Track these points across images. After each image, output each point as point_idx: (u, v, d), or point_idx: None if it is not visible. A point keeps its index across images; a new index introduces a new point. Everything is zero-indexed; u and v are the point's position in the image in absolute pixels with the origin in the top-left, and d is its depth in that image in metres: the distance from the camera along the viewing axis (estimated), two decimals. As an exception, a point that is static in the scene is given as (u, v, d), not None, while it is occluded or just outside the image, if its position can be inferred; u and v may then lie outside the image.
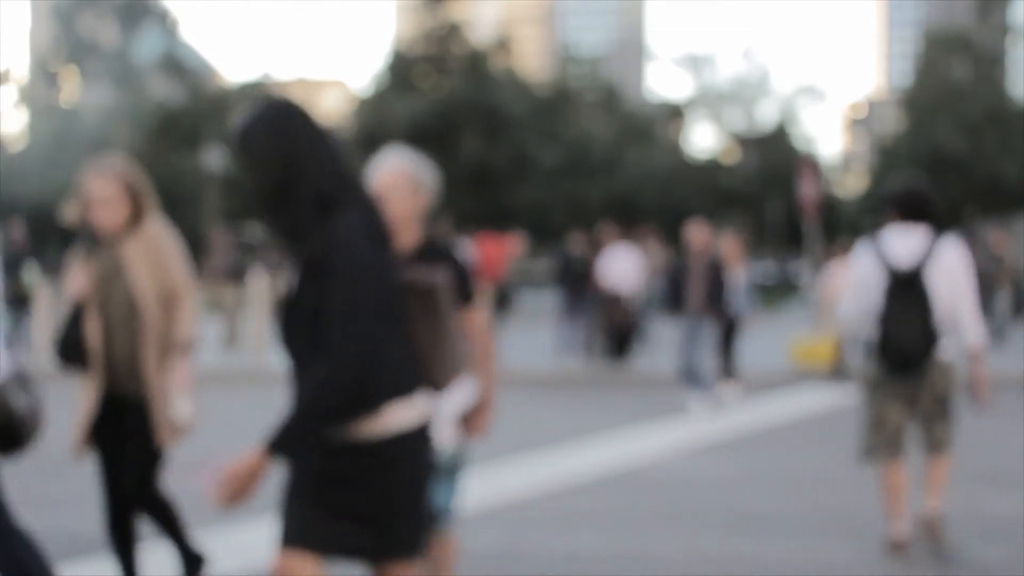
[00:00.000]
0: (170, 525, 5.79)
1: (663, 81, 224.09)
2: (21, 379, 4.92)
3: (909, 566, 6.54)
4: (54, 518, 7.61)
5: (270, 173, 3.66)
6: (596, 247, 18.62)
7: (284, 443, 3.65)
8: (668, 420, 12.55)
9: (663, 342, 19.42)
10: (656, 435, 11.48)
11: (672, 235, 38.57)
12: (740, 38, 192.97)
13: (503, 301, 20.12)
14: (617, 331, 17.52)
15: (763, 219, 56.30)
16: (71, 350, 5.54)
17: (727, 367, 14.57)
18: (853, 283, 6.80)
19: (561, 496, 8.46)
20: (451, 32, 43.20)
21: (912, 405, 6.69)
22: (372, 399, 3.67)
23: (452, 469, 5.16)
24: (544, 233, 47.41)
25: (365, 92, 45.23)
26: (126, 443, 5.66)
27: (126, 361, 5.50)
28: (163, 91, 52.41)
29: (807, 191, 19.93)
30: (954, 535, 7.18)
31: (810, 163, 21.43)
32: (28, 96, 54.44)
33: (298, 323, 3.74)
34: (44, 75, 52.63)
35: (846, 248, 17.90)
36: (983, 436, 11.68)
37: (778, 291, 48.76)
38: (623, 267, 17.50)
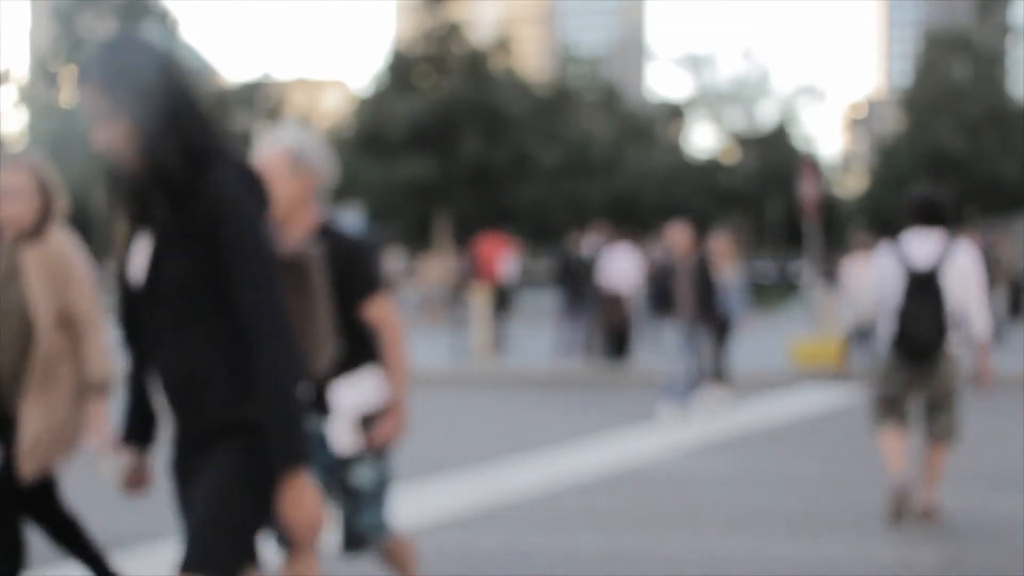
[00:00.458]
0: (74, 544, 5.38)
1: (663, 81, 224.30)
2: None
3: (909, 566, 6.54)
4: (54, 518, 7.61)
5: (139, 111, 3.15)
6: (594, 245, 18.62)
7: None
8: (671, 418, 12.54)
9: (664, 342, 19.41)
10: (656, 435, 11.48)
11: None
12: (740, 38, 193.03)
13: (503, 301, 20.11)
14: (617, 331, 17.51)
15: (763, 219, 56.32)
16: None
17: (717, 370, 14.01)
18: (874, 280, 7.53)
19: (561, 496, 8.46)
20: (451, 32, 43.19)
21: (920, 391, 7.39)
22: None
23: (370, 484, 4.66)
24: (544, 233, 47.42)
25: (365, 92, 45.23)
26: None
27: (9, 378, 4.84)
28: (163, 91, 52.31)
29: (807, 191, 19.92)
30: (954, 535, 7.19)
31: (810, 163, 21.42)
32: (28, 96, 54.41)
33: (162, 298, 3.21)
34: (44, 75, 52.58)
35: (868, 244, 18.01)
36: (983, 436, 11.67)
37: (778, 291, 48.75)
38: (623, 267, 17.50)
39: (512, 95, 42.80)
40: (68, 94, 52.43)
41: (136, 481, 3.65)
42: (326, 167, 4.59)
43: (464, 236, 38.15)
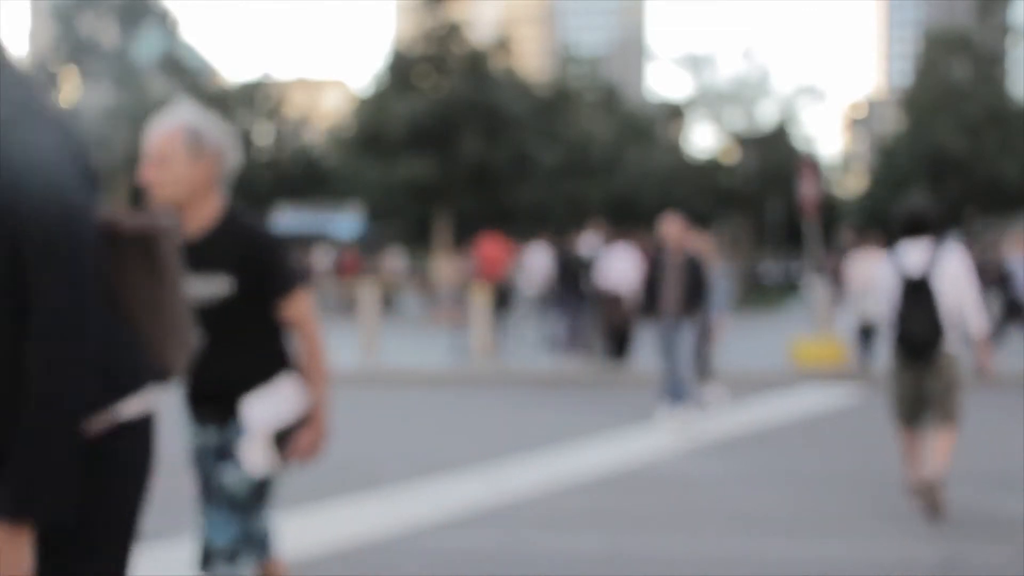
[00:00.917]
0: None
1: (663, 81, 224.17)
2: None
3: (909, 566, 6.54)
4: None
5: None
6: (592, 244, 18.64)
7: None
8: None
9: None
10: (656, 435, 11.48)
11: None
12: (740, 38, 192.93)
13: (503, 301, 20.11)
14: (617, 331, 17.51)
15: (763, 219, 56.31)
16: None
17: (702, 369, 13.65)
18: (878, 287, 8.27)
19: (561, 496, 8.46)
20: (451, 32, 43.17)
21: (925, 386, 7.97)
22: (113, 388, 2.65)
23: (248, 497, 4.21)
24: (544, 233, 47.38)
25: (365, 92, 45.21)
26: None
27: None
28: (163, 91, 52.38)
29: (807, 191, 19.92)
30: (954, 535, 7.19)
31: (810, 163, 21.40)
32: (28, 96, 54.33)
33: None
34: (44, 75, 52.58)
35: (856, 242, 18.09)
36: (984, 436, 11.68)
37: (778, 291, 48.75)
38: (622, 267, 17.49)
39: (512, 95, 42.79)
40: (68, 94, 52.41)
41: None
42: (230, 149, 4.17)
43: (464, 236, 38.12)
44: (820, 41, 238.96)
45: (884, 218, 47.98)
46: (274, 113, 57.06)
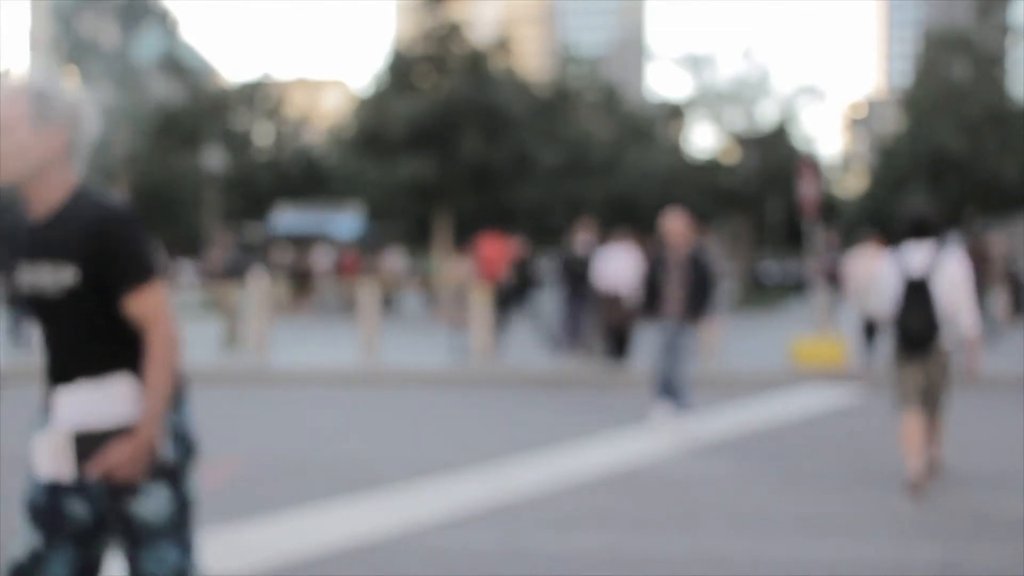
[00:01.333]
0: None
1: (663, 81, 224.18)
2: None
3: (909, 566, 6.54)
4: (54, 518, 7.61)
5: None
6: (587, 244, 18.63)
7: None
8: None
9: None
10: (656, 435, 11.47)
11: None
12: (740, 38, 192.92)
13: (503, 301, 20.12)
14: (617, 331, 17.51)
15: (763, 219, 56.31)
16: None
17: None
18: (881, 284, 8.88)
19: (561, 496, 8.46)
20: (451, 32, 43.19)
21: (922, 376, 8.71)
22: None
23: (158, 516, 3.61)
24: (544, 233, 47.43)
25: (365, 92, 45.22)
26: None
27: None
28: (163, 91, 52.43)
29: (807, 191, 19.92)
30: (954, 535, 7.19)
31: (810, 163, 21.40)
32: (28, 96, 54.36)
33: None
34: (44, 75, 52.56)
35: (878, 240, 18.15)
36: (983, 436, 11.68)
37: (778, 291, 48.73)
38: (621, 267, 17.49)
39: (512, 95, 42.80)
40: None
41: None
42: (86, 116, 3.63)
43: (464, 236, 38.13)
44: (820, 41, 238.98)
45: (884, 218, 47.99)
46: (274, 113, 57.09)
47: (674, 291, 11.65)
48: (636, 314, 15.27)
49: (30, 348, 18.49)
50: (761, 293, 46.80)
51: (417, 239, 46.19)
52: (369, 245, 37.68)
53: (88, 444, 3.54)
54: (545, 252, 46.81)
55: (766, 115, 55.83)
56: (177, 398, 3.67)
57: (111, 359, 3.61)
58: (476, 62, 42.90)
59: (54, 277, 3.61)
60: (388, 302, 30.75)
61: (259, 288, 18.46)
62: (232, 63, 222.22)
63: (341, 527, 7.35)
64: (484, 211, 42.26)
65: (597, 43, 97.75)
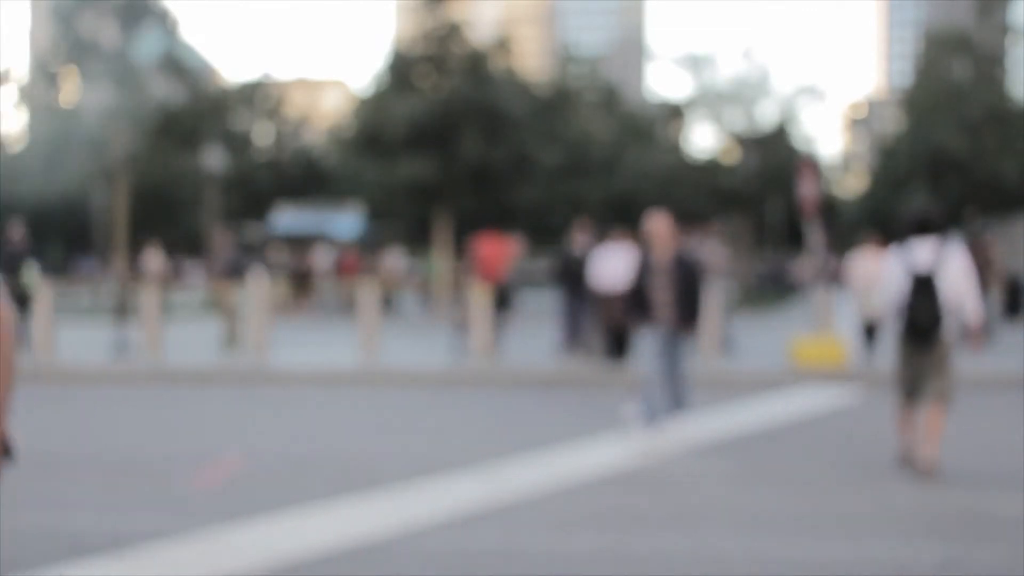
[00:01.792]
0: None
1: (663, 81, 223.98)
2: None
3: (909, 566, 6.54)
4: (54, 518, 7.62)
5: None
6: (585, 244, 18.62)
7: None
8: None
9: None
10: (656, 435, 11.46)
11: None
12: (740, 38, 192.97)
13: (504, 301, 20.10)
14: (616, 331, 17.51)
15: (763, 219, 56.32)
16: None
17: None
18: (885, 280, 9.53)
19: (561, 496, 8.46)
20: (451, 32, 43.15)
21: (925, 365, 9.31)
22: None
23: None
24: (544, 233, 47.43)
25: (365, 92, 45.19)
26: None
27: None
28: (163, 91, 52.42)
29: (807, 191, 19.92)
30: (954, 535, 7.19)
31: (810, 163, 21.40)
32: (28, 96, 54.42)
33: None
34: (44, 75, 52.63)
35: (879, 241, 18.23)
36: (983, 436, 11.68)
37: (778, 291, 48.74)
38: (619, 267, 17.48)
39: (512, 95, 42.77)
40: (68, 94, 52.42)
41: None
42: None
43: (464, 236, 38.12)
44: (820, 41, 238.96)
45: (884, 218, 47.98)
46: (274, 113, 57.09)
47: (661, 295, 11.09)
48: (624, 320, 14.31)
49: (30, 348, 18.48)
50: (760, 293, 46.78)
51: (417, 239, 46.18)
52: (369, 245, 37.66)
53: None
54: (545, 252, 46.85)
55: (766, 115, 55.83)
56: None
57: None
58: (476, 62, 42.88)
59: None
60: (388, 302, 30.73)
61: (259, 288, 18.46)
62: (232, 63, 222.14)
63: (341, 527, 7.35)
64: (484, 211, 42.24)
65: (597, 43, 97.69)
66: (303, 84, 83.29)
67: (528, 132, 42.83)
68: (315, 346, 21.06)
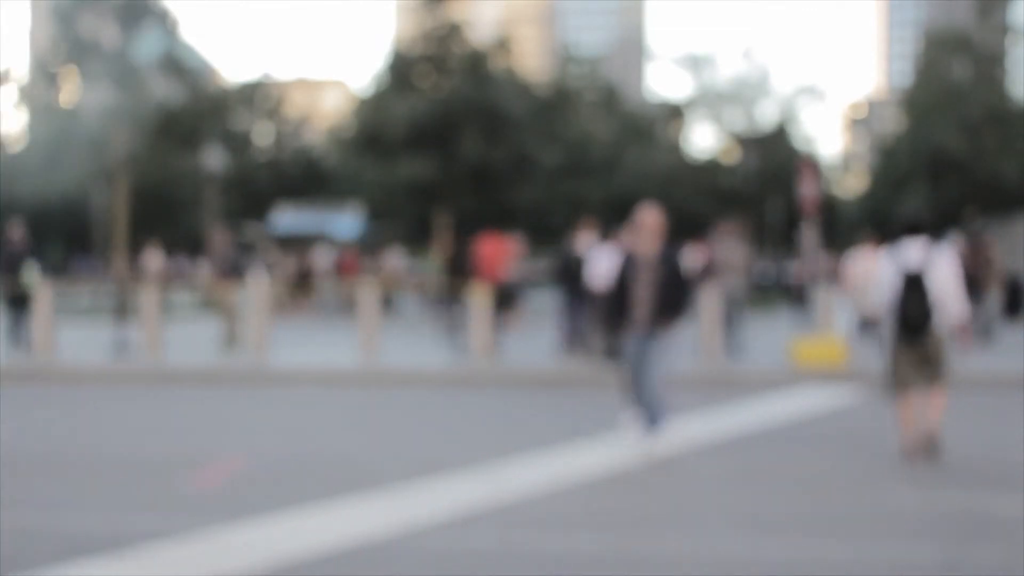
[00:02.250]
0: None
1: (663, 81, 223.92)
2: None
3: (909, 566, 6.54)
4: (54, 518, 7.61)
5: None
6: (588, 243, 18.62)
7: None
8: (667, 420, 12.52)
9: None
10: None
11: (672, 235, 38.52)
12: (740, 38, 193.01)
13: (505, 301, 20.10)
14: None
15: (763, 219, 56.32)
16: None
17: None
18: (878, 278, 10.18)
19: (561, 496, 8.46)
20: (451, 32, 43.18)
21: (919, 357, 9.94)
22: None
23: None
24: (544, 233, 47.44)
25: (365, 92, 45.23)
26: None
27: None
28: (163, 91, 52.41)
29: (807, 191, 19.93)
30: (954, 535, 7.19)
31: (810, 163, 21.43)
32: (28, 96, 54.41)
33: None
34: (44, 75, 52.60)
35: (875, 240, 18.28)
36: (983, 436, 11.68)
37: (777, 291, 48.70)
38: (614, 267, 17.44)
39: (512, 95, 42.80)
40: (68, 94, 52.40)
41: None
42: None
43: (464, 236, 38.10)
44: (820, 41, 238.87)
45: (884, 218, 47.97)
46: (274, 113, 57.10)
47: (642, 294, 10.39)
48: (605, 325, 13.19)
49: (30, 348, 18.48)
50: (760, 293, 46.76)
51: (417, 239, 46.19)
52: (369, 245, 37.67)
53: None
54: (545, 252, 46.86)
55: (766, 115, 55.86)
56: None
57: None
58: (476, 62, 42.91)
59: None
60: (388, 302, 30.73)
61: (259, 288, 18.46)
62: (232, 63, 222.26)
63: (341, 527, 7.35)
64: (484, 211, 42.25)
65: (597, 43, 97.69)
66: (303, 84, 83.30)
67: (528, 132, 42.86)
68: (315, 346, 21.05)
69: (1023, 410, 13.51)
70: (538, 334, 22.19)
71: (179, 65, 53.29)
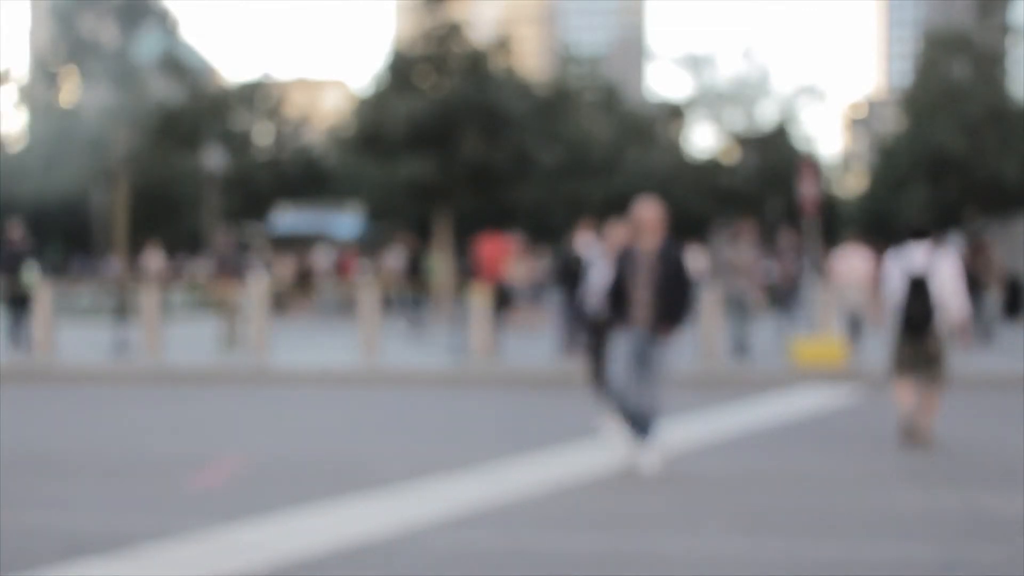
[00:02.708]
0: None
1: (663, 81, 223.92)
2: None
3: (909, 566, 6.54)
4: (54, 518, 7.61)
5: None
6: (588, 243, 18.61)
7: None
8: (667, 420, 12.52)
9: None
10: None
11: (672, 235, 38.55)
12: (740, 38, 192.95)
13: (504, 301, 20.10)
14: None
15: (763, 219, 56.30)
16: None
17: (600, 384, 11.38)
18: (884, 279, 10.99)
19: (561, 496, 8.46)
20: (451, 32, 43.15)
21: (920, 355, 10.57)
22: None
23: None
24: (544, 233, 47.43)
25: (365, 92, 45.19)
26: None
27: None
28: (163, 91, 52.38)
29: (807, 191, 19.92)
30: (954, 535, 7.19)
31: (810, 163, 21.43)
32: (28, 96, 54.39)
33: None
34: (44, 75, 52.56)
35: (859, 239, 18.34)
36: (983, 436, 11.69)
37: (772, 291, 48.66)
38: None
39: (512, 95, 42.76)
40: (68, 94, 52.40)
41: None
42: None
43: (464, 236, 38.12)
44: (820, 41, 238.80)
45: (884, 218, 47.95)
46: (274, 113, 57.06)
47: (641, 292, 9.68)
48: (606, 323, 11.61)
49: (30, 348, 18.48)
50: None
51: (417, 239, 46.19)
52: (369, 245, 37.66)
53: None
54: (545, 252, 46.85)
55: (766, 115, 55.84)
56: None
57: None
58: (476, 62, 42.88)
59: None
60: (388, 302, 30.73)
61: (259, 288, 18.46)
62: (232, 63, 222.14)
63: (341, 527, 7.35)
64: (484, 211, 42.26)
65: (597, 43, 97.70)
66: (303, 84, 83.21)
67: (528, 132, 42.83)
68: (315, 346, 21.06)
69: (1023, 410, 13.52)
70: (538, 334, 22.20)
71: (179, 65, 53.26)
